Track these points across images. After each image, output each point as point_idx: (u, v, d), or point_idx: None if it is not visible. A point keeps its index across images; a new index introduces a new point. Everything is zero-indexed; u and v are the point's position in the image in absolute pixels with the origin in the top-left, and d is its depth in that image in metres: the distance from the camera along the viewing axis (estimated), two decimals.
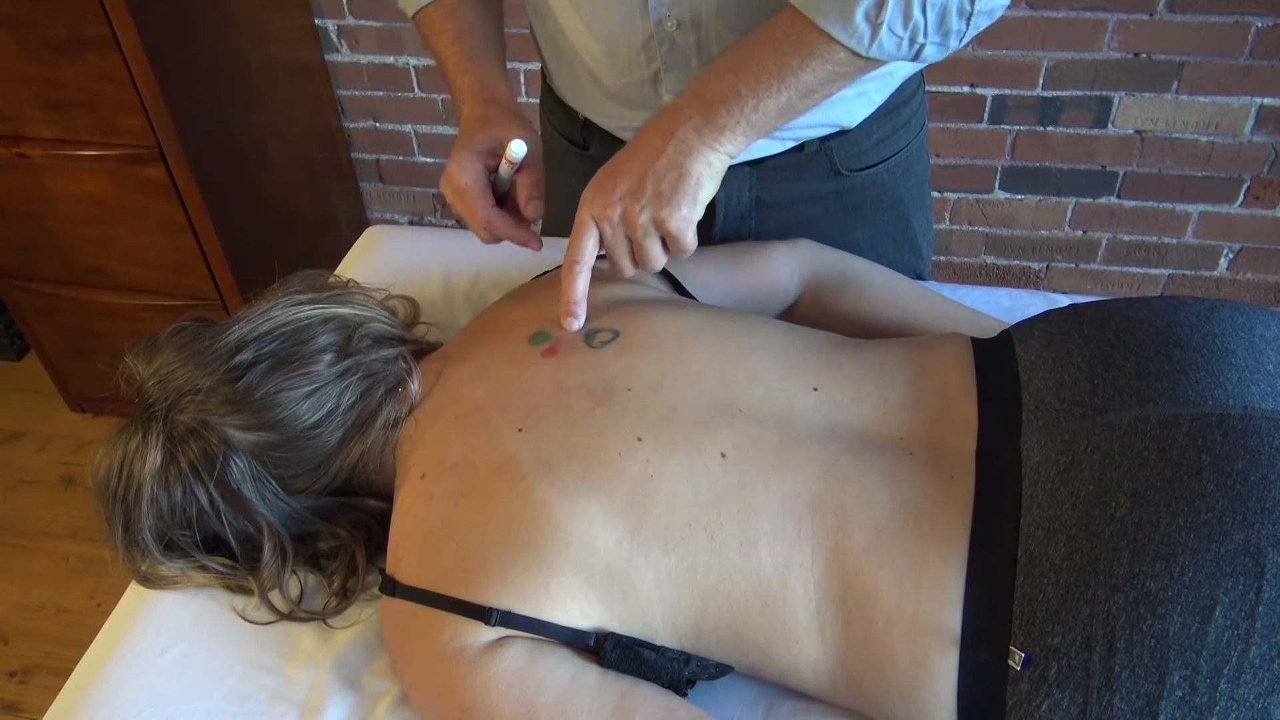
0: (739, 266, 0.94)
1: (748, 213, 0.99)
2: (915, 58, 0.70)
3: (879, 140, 0.97)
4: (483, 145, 0.80)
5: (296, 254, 1.91)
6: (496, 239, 0.82)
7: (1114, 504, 0.60)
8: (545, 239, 1.12)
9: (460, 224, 0.90)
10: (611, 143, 1.00)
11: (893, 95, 0.94)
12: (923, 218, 1.08)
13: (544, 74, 1.04)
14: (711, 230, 1.01)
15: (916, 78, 0.97)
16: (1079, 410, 0.65)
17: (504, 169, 0.81)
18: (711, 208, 0.98)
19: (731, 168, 0.85)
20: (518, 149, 0.78)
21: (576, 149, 1.04)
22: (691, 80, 0.75)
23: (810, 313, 0.95)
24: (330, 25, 1.91)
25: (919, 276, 1.09)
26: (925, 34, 0.68)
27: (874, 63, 0.69)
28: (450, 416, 0.75)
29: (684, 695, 0.68)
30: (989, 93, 1.77)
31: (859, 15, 0.66)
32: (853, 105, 0.91)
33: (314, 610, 0.79)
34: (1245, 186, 1.81)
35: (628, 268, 0.76)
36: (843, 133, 0.94)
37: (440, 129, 2.03)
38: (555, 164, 1.11)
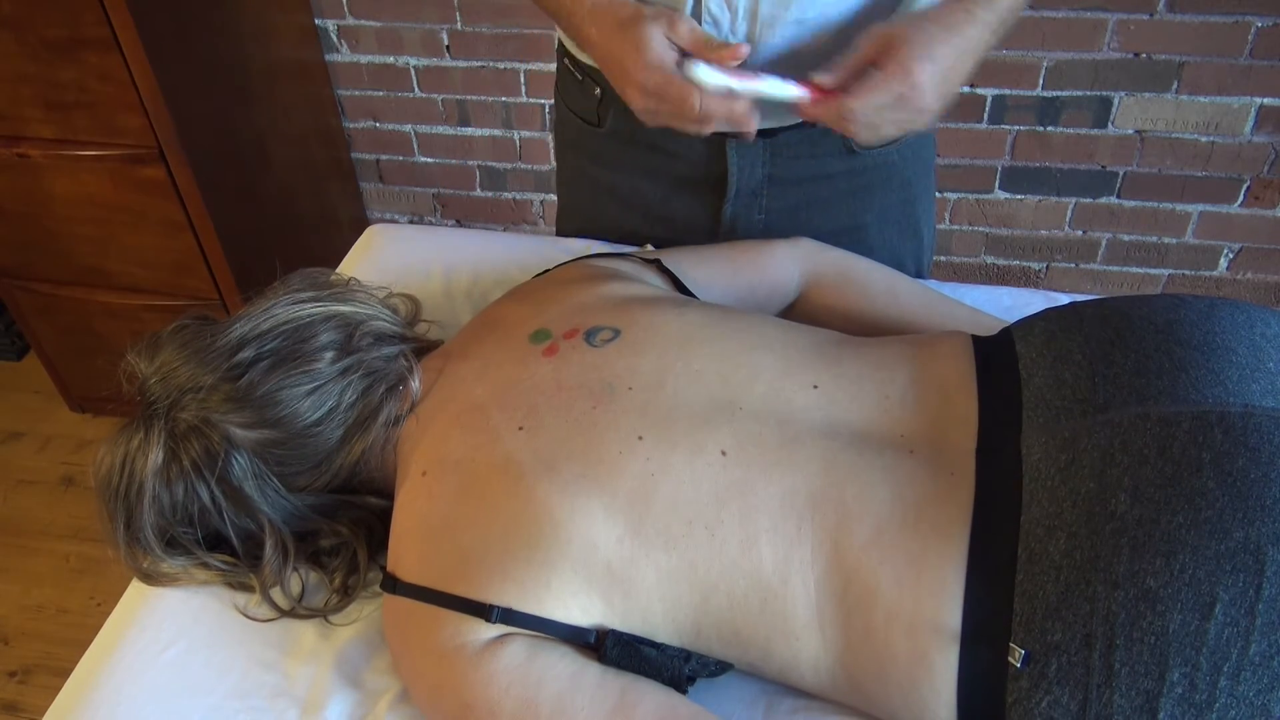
0: (740, 264, 0.94)
1: (759, 188, 0.99)
2: None
3: None
4: (654, 20, 0.72)
5: (296, 254, 1.91)
6: (710, 128, 0.74)
7: (1114, 501, 0.60)
8: (554, 239, 1.13)
9: (460, 222, 0.88)
10: (626, 118, 1.00)
11: None
12: (927, 203, 1.08)
13: (561, 51, 1.04)
14: (723, 206, 1.01)
15: None
16: (1079, 408, 0.65)
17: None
18: (724, 182, 0.99)
19: (745, 144, 0.92)
20: (702, 73, 0.71)
21: (591, 127, 1.04)
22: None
23: (811, 311, 0.95)
24: (330, 25, 1.91)
25: (920, 265, 1.10)
26: None
27: None
28: (451, 414, 0.75)
29: (684, 692, 0.68)
30: (989, 93, 1.77)
31: None
32: None
33: (315, 607, 0.79)
34: (1245, 186, 1.81)
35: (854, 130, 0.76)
36: None
37: (440, 129, 2.03)
38: (570, 149, 1.11)
